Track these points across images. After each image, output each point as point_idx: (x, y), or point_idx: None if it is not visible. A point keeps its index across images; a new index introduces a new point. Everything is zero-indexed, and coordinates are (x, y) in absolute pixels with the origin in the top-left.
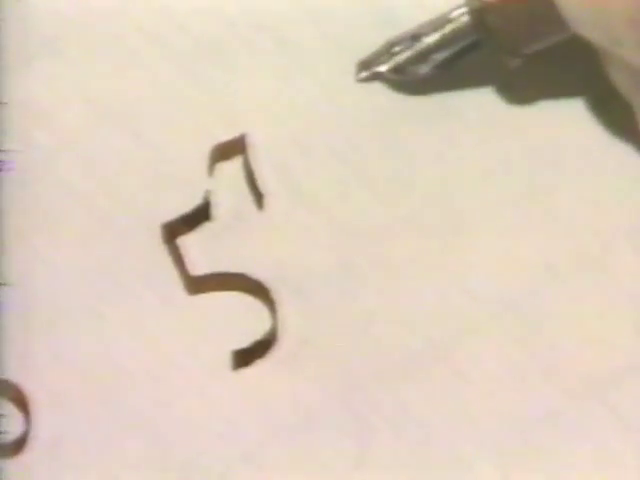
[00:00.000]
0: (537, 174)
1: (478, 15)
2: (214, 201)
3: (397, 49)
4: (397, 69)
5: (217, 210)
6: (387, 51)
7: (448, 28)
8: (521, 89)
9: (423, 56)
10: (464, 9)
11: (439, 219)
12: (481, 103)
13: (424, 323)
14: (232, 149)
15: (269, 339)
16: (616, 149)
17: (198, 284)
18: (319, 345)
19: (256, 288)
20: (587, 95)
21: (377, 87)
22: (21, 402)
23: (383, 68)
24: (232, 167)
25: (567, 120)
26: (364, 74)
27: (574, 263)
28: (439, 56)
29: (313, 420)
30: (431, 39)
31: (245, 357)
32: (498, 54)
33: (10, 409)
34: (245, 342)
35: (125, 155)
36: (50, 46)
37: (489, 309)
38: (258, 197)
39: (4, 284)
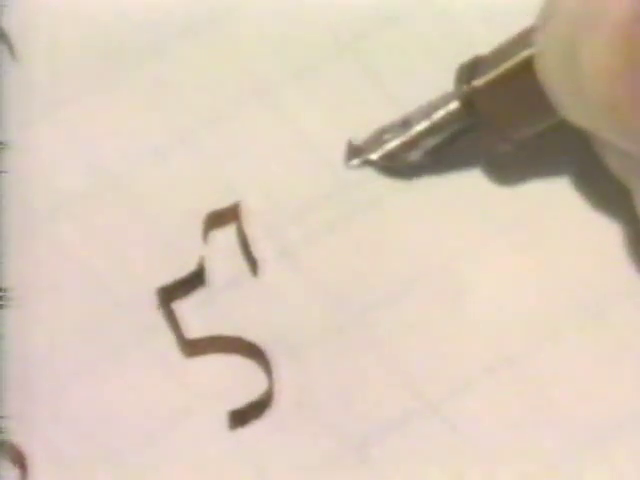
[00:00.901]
0: (534, 237)
1: (468, 100)
2: (209, 267)
3: (387, 136)
4: (387, 156)
5: (212, 275)
6: (378, 138)
7: (438, 114)
8: (513, 168)
9: (413, 143)
10: (453, 94)
11: (433, 280)
12: (474, 177)
13: (420, 382)
14: (226, 217)
15: (265, 399)
16: (612, 221)
17: (194, 347)
18: (315, 406)
19: (251, 350)
20: (580, 171)
21: None
22: (19, 461)
23: (374, 156)
24: (226, 234)
25: (561, 195)
26: (355, 161)
27: (572, 318)
28: (429, 142)
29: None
30: (421, 126)
31: (241, 417)
32: (489, 139)
33: (8, 467)
34: (241, 403)
35: (122, 220)
36: (49, 111)
37: (485, 364)
38: (252, 263)
39: (3, 345)
